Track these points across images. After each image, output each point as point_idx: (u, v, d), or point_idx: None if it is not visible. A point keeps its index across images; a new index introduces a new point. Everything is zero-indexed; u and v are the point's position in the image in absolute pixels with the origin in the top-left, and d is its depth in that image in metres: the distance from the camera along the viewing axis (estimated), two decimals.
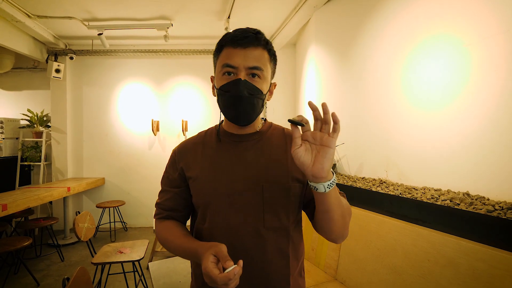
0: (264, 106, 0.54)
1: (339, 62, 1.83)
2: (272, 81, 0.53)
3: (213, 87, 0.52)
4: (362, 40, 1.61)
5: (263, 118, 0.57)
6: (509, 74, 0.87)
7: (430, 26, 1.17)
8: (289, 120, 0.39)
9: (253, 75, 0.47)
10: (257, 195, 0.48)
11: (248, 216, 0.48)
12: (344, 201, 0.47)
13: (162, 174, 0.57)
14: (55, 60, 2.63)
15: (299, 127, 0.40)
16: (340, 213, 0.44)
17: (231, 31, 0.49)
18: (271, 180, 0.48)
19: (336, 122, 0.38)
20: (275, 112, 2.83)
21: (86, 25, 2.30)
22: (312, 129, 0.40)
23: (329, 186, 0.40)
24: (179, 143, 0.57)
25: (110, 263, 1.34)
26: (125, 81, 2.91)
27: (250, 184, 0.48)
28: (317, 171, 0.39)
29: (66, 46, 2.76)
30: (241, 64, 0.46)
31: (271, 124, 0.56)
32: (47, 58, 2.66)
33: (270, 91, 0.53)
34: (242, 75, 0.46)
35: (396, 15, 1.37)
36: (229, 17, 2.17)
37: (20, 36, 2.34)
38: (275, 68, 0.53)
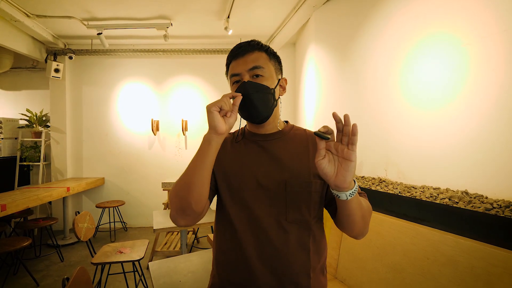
0: (279, 102, 0.57)
1: (338, 61, 1.84)
2: (281, 77, 0.57)
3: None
4: (361, 39, 1.62)
5: (285, 121, 0.62)
6: (508, 73, 0.87)
7: (429, 26, 1.17)
8: (315, 133, 0.41)
9: (256, 75, 0.52)
10: (280, 189, 0.51)
11: (272, 209, 0.50)
12: (364, 202, 0.50)
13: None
14: (54, 60, 2.63)
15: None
16: (361, 215, 0.47)
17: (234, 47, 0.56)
18: (293, 176, 0.51)
19: (354, 134, 0.40)
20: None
21: (85, 25, 2.29)
22: (335, 139, 0.42)
23: (350, 195, 0.43)
24: None
25: (110, 263, 1.33)
26: (125, 81, 2.90)
27: (273, 179, 0.51)
28: (339, 182, 0.41)
29: (65, 45, 2.75)
30: (242, 69, 0.52)
31: (293, 126, 0.61)
32: (46, 57, 2.66)
33: (282, 87, 0.58)
34: (246, 78, 0.52)
35: (394, 15, 1.38)
36: (228, 17, 2.17)
37: (19, 36, 2.34)
38: (279, 65, 0.57)
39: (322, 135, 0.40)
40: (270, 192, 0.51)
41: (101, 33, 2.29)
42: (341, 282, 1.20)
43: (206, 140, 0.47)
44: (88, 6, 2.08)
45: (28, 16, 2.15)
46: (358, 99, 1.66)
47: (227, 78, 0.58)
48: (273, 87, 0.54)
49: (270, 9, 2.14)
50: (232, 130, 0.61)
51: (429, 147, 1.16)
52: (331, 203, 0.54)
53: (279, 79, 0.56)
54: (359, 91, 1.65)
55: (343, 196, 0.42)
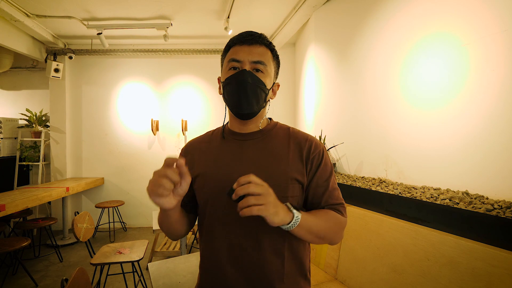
0: (268, 104, 0.55)
1: (338, 61, 1.83)
2: (276, 82, 0.56)
3: (220, 86, 0.56)
4: (361, 39, 1.62)
5: (269, 118, 0.59)
6: (507, 73, 0.87)
7: (428, 25, 1.17)
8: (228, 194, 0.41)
9: (257, 69, 0.51)
10: None
11: (245, 216, 0.48)
12: (326, 222, 0.48)
13: None
14: (54, 60, 2.62)
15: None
16: (314, 237, 0.47)
17: (233, 32, 0.53)
18: (269, 179, 0.48)
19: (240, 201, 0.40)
20: (275, 112, 2.83)
21: (85, 25, 2.29)
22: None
23: (291, 227, 0.43)
24: (187, 142, 0.61)
25: (109, 263, 1.33)
26: (125, 81, 2.90)
27: None
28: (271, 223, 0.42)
29: (65, 45, 2.75)
30: (245, 58, 0.50)
31: (276, 123, 0.57)
32: (46, 57, 2.65)
33: (274, 91, 0.55)
34: (247, 68, 0.50)
35: (394, 14, 1.38)
36: (228, 17, 2.17)
37: (19, 36, 2.33)
38: (278, 69, 0.56)
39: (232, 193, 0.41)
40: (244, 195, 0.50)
41: (101, 33, 2.29)
42: (341, 283, 1.19)
43: (162, 211, 0.46)
44: (88, 6, 2.07)
45: (28, 16, 2.15)
46: (358, 99, 1.66)
47: (222, 60, 0.55)
48: (269, 87, 0.52)
49: (270, 9, 2.13)
50: (206, 127, 0.60)
51: (429, 147, 1.15)
52: (309, 208, 0.52)
53: (274, 83, 0.55)
54: (359, 91, 1.64)
55: (285, 227, 0.43)
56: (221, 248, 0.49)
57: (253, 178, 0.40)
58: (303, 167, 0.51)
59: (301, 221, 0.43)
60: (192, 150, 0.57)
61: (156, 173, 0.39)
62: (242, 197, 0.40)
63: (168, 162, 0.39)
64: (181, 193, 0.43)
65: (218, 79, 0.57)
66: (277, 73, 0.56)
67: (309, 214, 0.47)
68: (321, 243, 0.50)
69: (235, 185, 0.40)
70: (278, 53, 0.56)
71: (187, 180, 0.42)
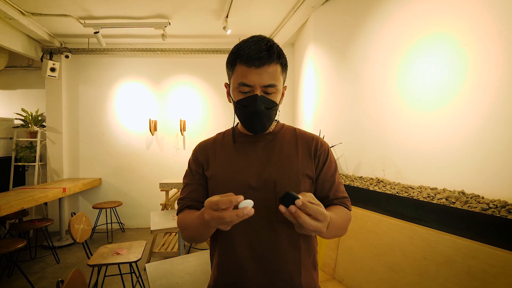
0: (278, 111, 0.57)
1: (337, 61, 1.84)
2: (284, 85, 0.57)
3: (228, 94, 0.56)
4: (360, 39, 1.62)
5: (275, 120, 0.60)
6: (505, 74, 0.88)
7: (427, 26, 1.18)
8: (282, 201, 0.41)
9: (268, 92, 0.51)
10: (269, 190, 0.51)
11: (263, 211, 0.51)
12: (340, 218, 0.51)
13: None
14: (50, 59, 2.59)
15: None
16: (331, 234, 0.49)
17: (242, 42, 0.51)
18: (282, 176, 0.52)
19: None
20: None
21: (82, 23, 2.27)
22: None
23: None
24: (199, 142, 0.61)
25: (107, 264, 1.32)
26: (122, 80, 2.88)
27: (263, 180, 0.52)
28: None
29: (61, 44, 2.72)
30: (256, 82, 0.49)
31: (283, 125, 0.61)
32: (42, 56, 2.62)
33: (283, 95, 0.57)
34: (258, 92, 0.50)
35: (393, 15, 1.38)
36: (227, 16, 2.17)
37: (13, 34, 2.30)
38: (286, 75, 0.55)
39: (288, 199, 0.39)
40: (260, 193, 0.51)
41: (98, 31, 2.27)
42: (339, 282, 1.20)
43: (207, 224, 0.44)
44: (85, 4, 2.05)
45: (23, 14, 2.12)
46: (356, 99, 1.66)
47: (228, 72, 0.54)
48: (279, 100, 0.53)
49: (269, 9, 2.13)
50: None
51: (427, 147, 1.16)
52: (320, 201, 0.54)
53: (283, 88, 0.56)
54: (358, 91, 1.65)
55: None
56: (240, 244, 0.51)
57: (313, 199, 0.41)
58: (312, 163, 0.55)
59: (330, 223, 0.45)
60: (206, 150, 0.59)
61: (227, 216, 0.39)
62: (288, 202, 0.40)
63: (232, 212, 0.39)
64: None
65: (225, 85, 0.57)
66: (285, 79, 0.56)
67: (330, 212, 0.48)
68: (331, 238, 0.52)
69: (299, 201, 0.39)
70: (286, 59, 0.54)
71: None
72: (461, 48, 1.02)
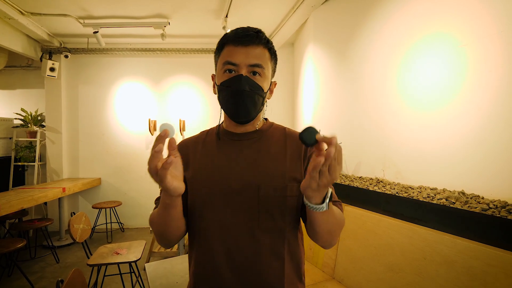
0: (265, 105, 0.53)
1: (336, 61, 1.84)
2: (273, 80, 0.53)
3: (214, 85, 0.52)
4: (360, 39, 1.62)
5: (264, 118, 0.57)
6: (505, 74, 0.88)
7: (427, 26, 1.17)
8: (302, 136, 0.34)
9: (254, 72, 0.48)
10: (252, 195, 0.47)
11: (244, 217, 0.47)
12: (336, 216, 0.46)
13: None
14: (50, 59, 2.59)
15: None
16: (327, 230, 0.45)
17: (230, 30, 0.49)
18: (267, 179, 0.47)
19: (339, 162, 0.35)
20: (273, 111, 2.83)
21: (81, 23, 2.26)
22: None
23: (324, 206, 0.39)
24: (181, 140, 0.57)
25: (107, 264, 1.32)
26: (122, 80, 2.87)
27: (246, 183, 0.48)
28: (308, 197, 0.38)
29: (60, 44, 2.71)
30: (242, 61, 0.47)
31: (272, 123, 0.56)
32: (41, 56, 2.61)
33: (271, 90, 0.53)
34: (244, 72, 0.47)
35: (393, 15, 1.38)
36: (226, 16, 2.16)
37: (13, 34, 2.30)
38: (275, 67, 0.53)
39: (309, 139, 0.32)
40: (242, 197, 0.47)
41: (98, 31, 2.26)
42: (339, 282, 1.20)
43: (163, 205, 0.42)
44: (84, 4, 2.05)
45: (22, 13, 2.11)
46: (356, 99, 1.66)
47: (216, 57, 0.51)
48: (266, 89, 0.50)
49: (268, 8, 2.13)
50: (205, 127, 0.58)
51: (426, 147, 1.16)
52: (304, 207, 0.48)
53: (271, 82, 0.52)
54: (357, 91, 1.65)
55: (312, 206, 0.39)
56: (218, 253, 0.47)
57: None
58: (301, 165, 0.49)
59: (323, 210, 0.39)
60: (186, 149, 0.53)
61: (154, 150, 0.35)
62: (308, 142, 0.33)
63: (161, 137, 0.34)
64: (180, 176, 0.40)
65: (212, 76, 0.53)
66: (274, 71, 0.53)
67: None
68: (325, 239, 0.47)
69: (320, 136, 0.32)
70: (276, 51, 0.52)
71: (179, 160, 0.39)
72: (461, 48, 1.01)
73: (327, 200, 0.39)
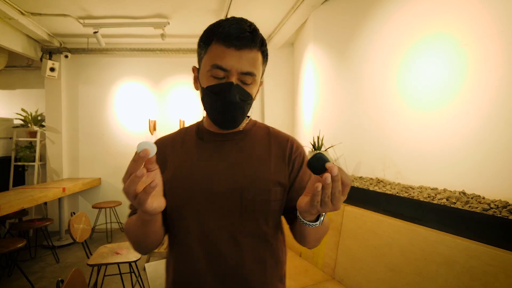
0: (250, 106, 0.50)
1: (336, 61, 1.83)
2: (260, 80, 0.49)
3: (195, 79, 0.47)
4: (360, 39, 1.62)
5: (247, 116, 0.52)
6: (505, 74, 0.88)
7: (427, 26, 1.17)
8: (310, 163, 0.33)
9: (245, 81, 0.43)
10: (235, 198, 0.45)
11: (225, 221, 0.44)
12: (324, 224, 0.44)
13: None
14: (50, 59, 2.59)
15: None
16: (316, 238, 0.46)
17: (221, 20, 0.43)
18: (251, 183, 0.45)
19: (343, 193, 0.34)
20: (273, 112, 2.83)
21: (81, 23, 2.26)
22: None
23: (320, 222, 0.39)
24: (157, 138, 0.52)
25: (107, 264, 1.32)
26: (122, 80, 2.87)
27: (229, 186, 0.45)
28: (306, 215, 0.38)
29: (60, 44, 2.71)
30: (234, 67, 0.41)
31: (255, 122, 0.53)
32: (42, 56, 2.62)
33: (257, 91, 0.50)
34: (234, 79, 0.42)
35: (393, 15, 1.38)
36: (226, 16, 2.16)
37: (13, 34, 2.30)
38: (265, 67, 0.49)
39: (320, 165, 0.31)
40: (225, 200, 0.44)
41: (98, 31, 2.26)
42: (339, 282, 1.20)
43: (142, 219, 0.38)
44: (84, 4, 2.05)
45: (22, 13, 2.12)
46: (356, 99, 1.66)
47: (200, 52, 0.44)
48: (255, 95, 0.46)
49: (268, 8, 2.13)
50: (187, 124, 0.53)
51: (427, 147, 1.16)
52: (292, 211, 0.49)
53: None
54: (357, 91, 1.65)
55: (305, 223, 0.39)
56: (199, 260, 0.44)
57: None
58: (286, 168, 0.48)
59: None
60: (163, 148, 0.48)
61: (132, 170, 0.31)
62: (316, 170, 0.32)
63: (140, 157, 0.31)
64: (159, 191, 0.36)
65: (193, 69, 0.48)
66: (264, 72, 0.48)
67: None
68: (312, 245, 0.48)
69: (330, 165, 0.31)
70: (268, 53, 0.48)
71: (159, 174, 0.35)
72: (461, 48, 1.01)
73: (322, 218, 0.39)
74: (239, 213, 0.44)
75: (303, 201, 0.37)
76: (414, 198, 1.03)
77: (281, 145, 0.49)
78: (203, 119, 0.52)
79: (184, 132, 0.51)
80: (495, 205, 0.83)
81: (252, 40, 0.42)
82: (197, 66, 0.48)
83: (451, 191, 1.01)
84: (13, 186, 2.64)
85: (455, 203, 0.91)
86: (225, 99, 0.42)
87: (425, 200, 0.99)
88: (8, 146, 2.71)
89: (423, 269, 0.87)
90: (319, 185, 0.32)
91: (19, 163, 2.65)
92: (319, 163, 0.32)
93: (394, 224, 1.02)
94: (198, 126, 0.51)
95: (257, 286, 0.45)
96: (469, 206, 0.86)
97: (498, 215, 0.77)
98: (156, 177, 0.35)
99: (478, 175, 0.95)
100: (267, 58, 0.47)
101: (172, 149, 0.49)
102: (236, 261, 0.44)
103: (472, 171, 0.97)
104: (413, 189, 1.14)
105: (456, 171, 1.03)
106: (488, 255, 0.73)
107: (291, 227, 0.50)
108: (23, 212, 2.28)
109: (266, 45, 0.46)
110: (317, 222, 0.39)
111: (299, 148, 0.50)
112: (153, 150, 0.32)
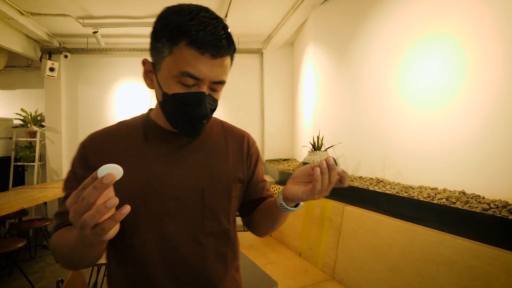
0: None
1: (336, 61, 1.83)
2: None
3: (147, 75, 0.42)
4: (360, 39, 1.62)
5: None
6: (505, 74, 0.88)
7: (427, 26, 1.17)
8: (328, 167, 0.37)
9: (216, 88, 0.40)
10: (196, 199, 0.42)
11: (186, 223, 0.42)
12: None
13: (66, 175, 0.43)
14: (49, 59, 2.59)
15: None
16: (280, 224, 0.47)
17: (185, 11, 0.37)
18: (211, 181, 0.43)
19: (343, 183, 0.38)
20: (273, 112, 2.82)
21: (81, 23, 2.26)
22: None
23: (290, 210, 0.42)
24: (90, 134, 0.44)
25: (106, 264, 1.31)
26: (122, 80, 2.87)
27: (188, 187, 0.42)
28: (297, 199, 0.40)
29: (60, 44, 2.71)
30: (207, 76, 0.37)
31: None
32: (41, 56, 2.61)
33: None
34: (205, 88, 0.38)
35: (393, 15, 1.38)
36: (226, 16, 2.16)
37: (13, 34, 2.29)
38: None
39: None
40: (184, 203, 0.42)
41: (97, 31, 2.26)
42: (338, 282, 1.20)
43: (87, 244, 0.30)
44: (84, 4, 2.04)
45: (22, 13, 2.11)
46: (356, 99, 1.66)
47: (161, 56, 0.38)
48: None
49: (268, 8, 2.12)
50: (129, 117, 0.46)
51: (427, 147, 1.16)
52: (249, 204, 0.50)
53: None
54: (357, 91, 1.64)
55: (288, 209, 0.41)
56: (157, 265, 0.41)
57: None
58: (243, 164, 0.48)
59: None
60: (101, 146, 0.42)
61: (90, 198, 0.25)
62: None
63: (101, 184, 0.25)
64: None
65: (143, 62, 0.41)
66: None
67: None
68: (268, 234, 0.51)
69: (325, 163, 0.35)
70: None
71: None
72: (461, 48, 1.01)
73: (301, 202, 0.41)
74: (200, 213, 0.42)
75: (298, 190, 0.39)
76: (414, 198, 1.03)
77: (238, 141, 0.49)
78: (149, 112, 0.46)
79: (125, 127, 0.44)
80: (495, 205, 0.83)
81: (228, 46, 0.38)
82: (150, 60, 0.41)
83: (451, 191, 1.01)
84: (13, 186, 2.63)
85: (455, 203, 0.91)
86: (196, 111, 0.38)
87: (424, 200, 0.99)
88: (8, 146, 2.71)
89: (423, 269, 0.87)
90: (317, 170, 0.35)
91: (19, 163, 2.64)
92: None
93: (394, 224, 1.02)
94: (145, 121, 0.44)
95: (218, 283, 0.45)
96: (469, 206, 0.86)
97: (498, 215, 0.77)
98: (110, 194, 0.27)
99: (478, 175, 0.95)
100: (232, 59, 0.43)
101: (114, 147, 0.42)
102: (198, 262, 0.43)
103: (472, 171, 0.97)
104: (413, 189, 1.14)
105: (456, 171, 1.03)
106: (488, 255, 0.73)
107: (246, 218, 0.53)
108: (23, 212, 2.27)
109: (235, 45, 0.41)
110: (298, 207, 0.42)
111: (254, 143, 0.52)
112: (119, 174, 0.27)
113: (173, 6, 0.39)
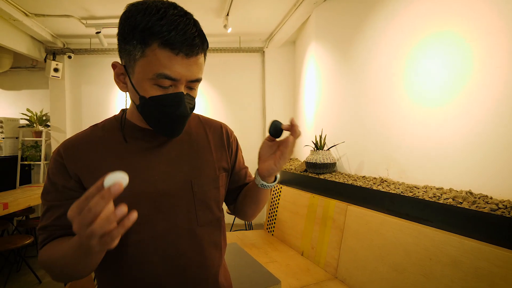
0: None
1: (339, 59, 1.81)
2: None
3: (119, 78, 0.41)
4: (363, 37, 1.59)
5: None
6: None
7: (432, 23, 1.14)
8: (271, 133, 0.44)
9: (192, 86, 0.40)
10: (186, 193, 0.43)
11: (180, 218, 0.42)
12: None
13: (43, 187, 0.42)
14: (54, 59, 2.62)
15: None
16: (264, 203, 0.51)
17: (153, 9, 0.35)
18: (199, 173, 0.45)
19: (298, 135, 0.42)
20: (274, 110, 2.81)
21: (84, 24, 2.28)
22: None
23: (272, 184, 0.46)
24: (64, 142, 0.42)
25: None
26: None
27: (177, 181, 0.42)
28: (273, 172, 0.44)
29: (64, 45, 2.74)
30: (183, 76, 0.37)
31: None
32: (46, 57, 2.65)
33: None
34: (183, 88, 0.38)
35: (397, 12, 1.35)
36: (228, 14, 2.15)
37: (18, 35, 2.33)
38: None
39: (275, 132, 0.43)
40: (174, 197, 0.42)
41: (100, 32, 2.28)
42: (341, 281, 1.19)
43: (86, 247, 0.29)
44: (87, 4, 2.06)
45: (26, 15, 2.14)
46: (359, 98, 1.63)
47: (133, 59, 0.37)
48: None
49: (270, 6, 2.10)
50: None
51: (432, 146, 1.14)
52: (234, 191, 0.54)
53: None
54: (360, 90, 1.62)
55: (269, 185, 0.45)
56: (152, 262, 0.41)
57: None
58: (226, 153, 0.50)
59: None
60: (79, 153, 0.40)
61: (98, 209, 0.25)
62: (275, 133, 0.43)
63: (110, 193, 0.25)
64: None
65: (113, 65, 0.41)
66: None
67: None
68: (255, 216, 0.54)
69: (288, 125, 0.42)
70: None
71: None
72: (468, 44, 0.98)
73: (278, 175, 0.46)
74: (193, 206, 0.44)
75: (270, 163, 0.43)
76: (419, 197, 1.01)
77: (217, 132, 0.51)
78: (123, 113, 0.44)
79: (101, 130, 0.43)
80: (503, 205, 0.81)
81: (201, 44, 0.38)
82: (120, 62, 0.41)
83: (457, 191, 0.99)
84: (20, 184, 2.69)
85: (461, 203, 0.89)
86: (176, 112, 0.38)
87: (430, 200, 0.97)
88: (14, 146, 2.77)
89: (428, 269, 0.86)
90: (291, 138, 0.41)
91: (25, 162, 2.70)
92: (277, 127, 0.42)
93: (398, 224, 1.01)
94: (121, 122, 0.43)
95: (215, 271, 0.47)
96: (476, 206, 0.84)
97: (507, 216, 0.75)
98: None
99: (485, 175, 0.92)
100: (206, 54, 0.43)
101: (93, 152, 0.41)
102: (196, 253, 0.44)
103: (479, 171, 0.95)
104: (418, 188, 1.12)
105: (462, 171, 1.00)
106: (495, 256, 0.71)
107: (232, 206, 0.56)
108: (30, 209, 2.32)
109: (207, 41, 0.41)
110: (276, 180, 0.46)
111: (232, 133, 0.54)
112: (125, 181, 0.27)
113: (138, 3, 0.37)
